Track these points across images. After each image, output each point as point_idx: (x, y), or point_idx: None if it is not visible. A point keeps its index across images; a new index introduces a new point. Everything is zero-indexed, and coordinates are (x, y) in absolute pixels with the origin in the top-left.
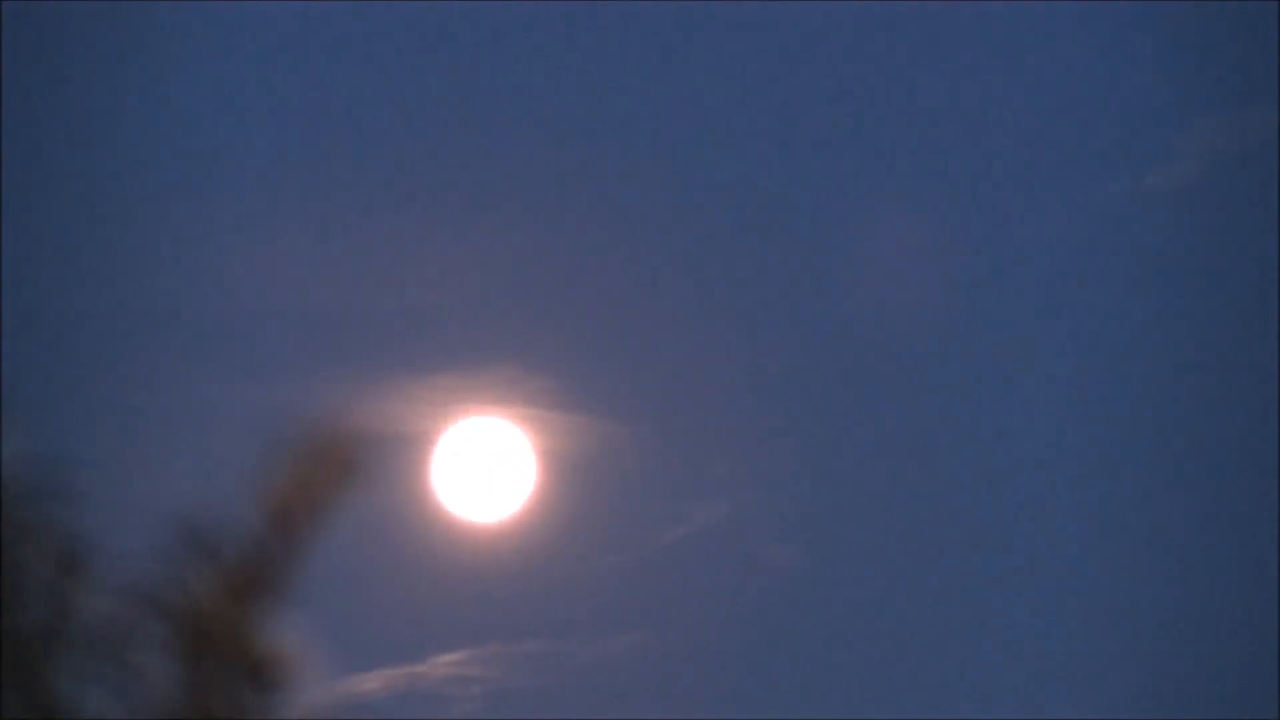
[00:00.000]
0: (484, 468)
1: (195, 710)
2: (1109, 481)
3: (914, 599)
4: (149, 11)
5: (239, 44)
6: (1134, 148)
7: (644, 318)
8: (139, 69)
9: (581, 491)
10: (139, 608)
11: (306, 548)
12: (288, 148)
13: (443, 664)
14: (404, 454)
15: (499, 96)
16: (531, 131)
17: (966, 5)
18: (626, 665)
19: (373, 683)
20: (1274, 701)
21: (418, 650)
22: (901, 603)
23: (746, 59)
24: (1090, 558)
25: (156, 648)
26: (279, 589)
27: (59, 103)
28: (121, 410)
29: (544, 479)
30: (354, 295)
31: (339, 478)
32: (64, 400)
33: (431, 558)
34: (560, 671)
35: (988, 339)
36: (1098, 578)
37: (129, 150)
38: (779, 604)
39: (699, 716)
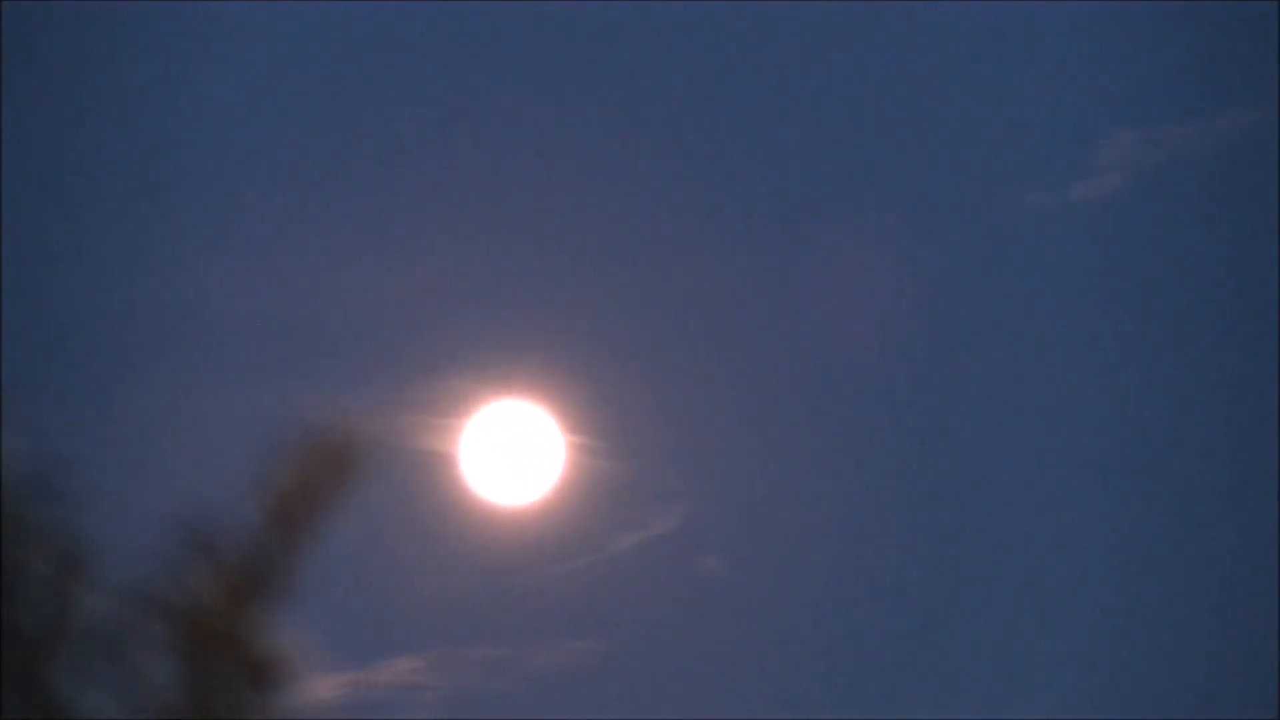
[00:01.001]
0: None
1: (195, 710)
2: (1071, 485)
3: (865, 607)
4: (149, 12)
5: (236, 50)
6: (1057, 161)
7: (604, 332)
8: (139, 69)
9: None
10: (139, 608)
11: (305, 548)
12: (290, 149)
13: (394, 669)
14: (368, 461)
15: (484, 112)
16: (495, 150)
17: (887, 13)
18: (577, 671)
19: (324, 687)
20: (1274, 701)
21: (369, 655)
22: (852, 611)
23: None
24: (1072, 558)
25: (156, 648)
26: (277, 589)
27: (59, 103)
28: (121, 411)
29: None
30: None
31: (334, 480)
32: (64, 400)
33: (386, 563)
34: (512, 677)
35: (922, 352)
36: (1086, 579)
37: (129, 152)
38: (729, 611)
39: None
